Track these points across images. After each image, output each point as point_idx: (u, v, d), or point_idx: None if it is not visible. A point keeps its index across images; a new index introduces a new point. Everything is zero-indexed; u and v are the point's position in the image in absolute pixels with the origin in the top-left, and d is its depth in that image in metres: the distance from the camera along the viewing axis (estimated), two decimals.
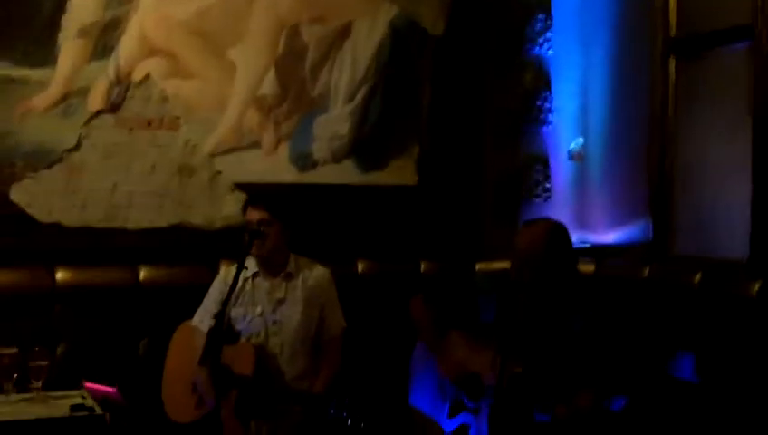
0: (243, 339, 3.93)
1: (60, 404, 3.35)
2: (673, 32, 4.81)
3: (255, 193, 4.48)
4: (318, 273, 4.06)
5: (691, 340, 4.21)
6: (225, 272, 4.02)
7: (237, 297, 3.87)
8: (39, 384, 3.57)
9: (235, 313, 3.93)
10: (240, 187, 4.72)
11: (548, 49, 5.30)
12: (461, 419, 3.79)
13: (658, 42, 4.86)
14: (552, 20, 5.29)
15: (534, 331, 3.70)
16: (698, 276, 4.30)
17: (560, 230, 3.82)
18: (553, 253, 3.73)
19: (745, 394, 3.84)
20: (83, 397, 3.42)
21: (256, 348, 3.84)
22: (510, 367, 3.56)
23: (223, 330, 3.69)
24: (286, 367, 3.89)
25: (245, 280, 3.94)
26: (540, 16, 5.27)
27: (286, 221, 3.94)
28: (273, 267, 3.99)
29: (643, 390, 3.66)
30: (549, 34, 5.29)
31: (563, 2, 5.33)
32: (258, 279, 3.99)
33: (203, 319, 3.95)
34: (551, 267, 3.71)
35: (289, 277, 3.99)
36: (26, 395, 3.51)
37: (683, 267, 4.48)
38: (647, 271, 4.64)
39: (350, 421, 3.44)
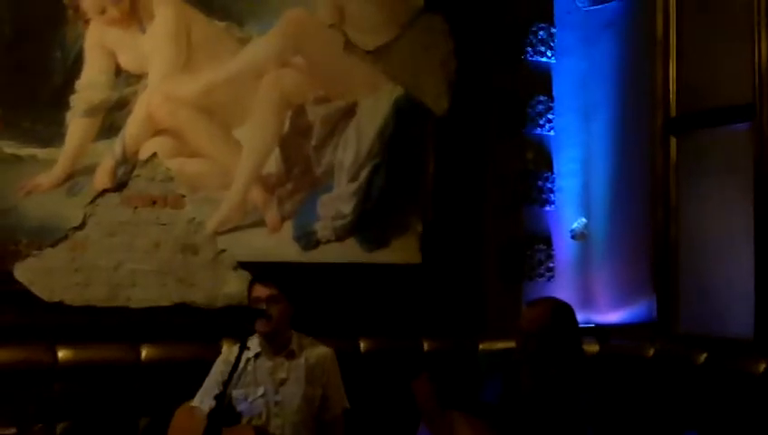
0: (244, 420, 3.87)
1: None
2: (673, 112, 4.86)
3: (259, 271, 4.47)
4: (320, 352, 4.03)
5: (696, 418, 4.17)
6: (228, 352, 3.99)
7: (239, 378, 3.84)
8: None
9: (236, 393, 3.89)
10: (243, 265, 4.72)
11: (549, 129, 5.35)
12: None
13: (658, 121, 4.92)
14: (553, 100, 5.36)
15: (538, 411, 3.65)
16: (704, 355, 4.27)
17: (565, 308, 3.80)
18: (559, 328, 3.71)
19: None
20: None
21: (257, 430, 3.79)
22: None
23: (223, 410, 3.64)
24: None
25: (248, 360, 3.91)
26: (541, 97, 5.34)
27: (290, 299, 3.93)
28: (276, 346, 3.96)
29: None
30: (550, 115, 5.35)
31: (565, 82, 5.41)
32: (260, 359, 3.96)
33: (203, 399, 3.90)
34: (556, 343, 3.68)
35: (291, 356, 3.96)
36: None
37: (688, 346, 4.47)
38: (652, 350, 4.62)
39: None
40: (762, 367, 3.96)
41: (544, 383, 3.68)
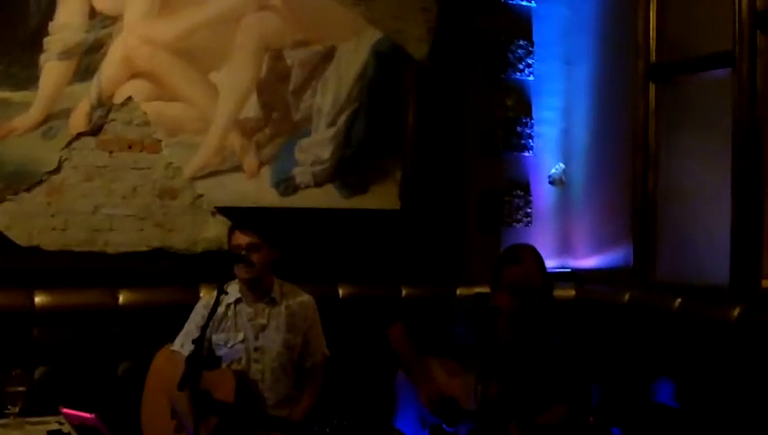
0: (224, 365, 3.90)
1: (36, 430, 3.30)
2: (653, 58, 4.85)
3: (238, 216, 4.46)
4: (302, 300, 4.05)
5: (671, 365, 4.23)
6: (208, 297, 3.99)
7: (219, 323, 3.86)
8: (16, 410, 3.52)
9: (216, 338, 3.92)
10: (221, 210, 4.70)
11: (529, 74, 5.34)
12: None
13: (639, 68, 4.90)
14: (533, 45, 5.34)
15: (513, 354, 3.71)
16: (678, 301, 4.32)
17: (543, 259, 3.84)
18: (546, 283, 3.78)
19: (725, 419, 3.85)
20: (60, 423, 3.37)
21: (237, 374, 3.82)
22: (489, 391, 3.57)
23: (203, 355, 3.66)
24: (267, 393, 3.86)
25: (228, 306, 3.93)
26: (521, 42, 5.32)
27: (271, 245, 3.92)
28: (257, 292, 3.97)
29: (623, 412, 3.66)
30: (530, 60, 5.33)
31: (546, 29, 5.38)
32: (241, 305, 3.97)
33: (183, 343, 3.92)
34: (542, 296, 3.75)
35: (272, 303, 3.97)
36: (2, 421, 3.46)
37: (663, 292, 4.51)
38: (627, 296, 4.66)
39: None
40: (736, 313, 4.00)
41: (520, 331, 3.74)
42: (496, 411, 3.58)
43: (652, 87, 4.86)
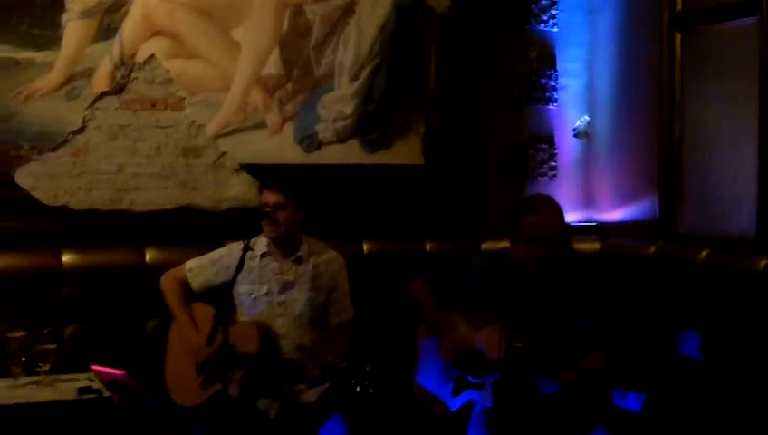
0: (247, 317, 3.93)
1: (67, 387, 3.35)
2: (678, 6, 4.78)
3: (263, 174, 4.47)
4: (329, 257, 4.05)
5: (697, 317, 4.22)
6: (234, 245, 3.99)
7: (243, 274, 3.86)
8: (47, 367, 3.58)
9: (240, 289, 3.94)
10: (245, 167, 4.71)
11: (553, 26, 5.28)
12: (466, 396, 3.82)
13: (664, 16, 4.83)
14: None
15: (536, 305, 3.72)
16: (704, 253, 4.29)
17: (561, 208, 3.83)
18: (564, 231, 3.78)
19: (751, 371, 3.84)
20: (91, 380, 3.43)
21: (260, 326, 3.84)
22: (513, 341, 3.59)
23: (229, 313, 3.71)
24: (289, 348, 3.89)
25: (253, 258, 3.94)
26: None
27: (299, 204, 3.92)
28: (284, 249, 3.98)
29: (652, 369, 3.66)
30: (554, 11, 5.27)
31: None
32: (267, 259, 3.99)
33: (193, 270, 4.02)
34: (561, 244, 3.75)
35: (299, 261, 3.98)
36: (34, 378, 3.51)
37: (689, 244, 4.49)
38: (653, 248, 4.64)
39: (359, 388, 3.45)
40: (763, 265, 3.98)
41: (542, 282, 3.75)
42: (522, 361, 3.60)
43: (677, 36, 4.79)
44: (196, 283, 4.04)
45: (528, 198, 4.04)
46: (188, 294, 4.04)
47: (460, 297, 3.93)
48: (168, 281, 4.07)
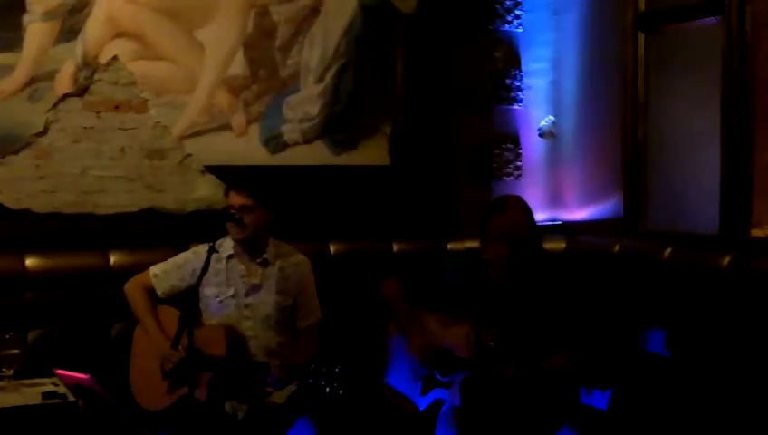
0: (214, 320, 3.91)
1: (32, 392, 3.31)
2: (642, 6, 4.82)
3: (228, 175, 4.45)
4: (296, 260, 4.04)
5: (662, 314, 4.25)
6: (200, 247, 3.97)
7: (209, 276, 3.84)
8: (11, 372, 3.54)
9: (207, 292, 3.92)
10: (211, 169, 4.69)
11: (518, 26, 5.30)
12: (434, 394, 3.82)
13: (628, 16, 4.87)
14: None
15: (506, 303, 3.74)
16: (669, 251, 4.33)
17: (530, 208, 3.87)
18: (533, 231, 3.81)
19: (716, 367, 3.88)
20: (56, 384, 3.40)
21: (227, 329, 3.83)
22: (483, 340, 3.61)
23: (195, 315, 3.68)
24: (257, 351, 3.88)
25: (219, 260, 3.92)
26: None
27: (267, 206, 3.91)
28: (250, 252, 3.97)
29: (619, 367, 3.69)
30: (518, 11, 5.29)
31: None
32: (234, 261, 3.97)
33: (158, 275, 3.98)
34: (532, 246, 3.78)
35: (265, 264, 3.97)
36: None
37: (654, 242, 4.52)
38: (618, 246, 4.67)
39: (328, 389, 3.44)
40: (726, 261, 4.02)
41: (511, 282, 3.77)
42: (491, 359, 3.62)
43: (641, 36, 4.84)
44: (161, 288, 4.00)
45: (498, 198, 4.06)
46: (154, 300, 4.01)
47: (432, 295, 3.94)
48: (132, 288, 4.04)
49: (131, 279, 4.06)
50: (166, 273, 4.02)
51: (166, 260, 4.09)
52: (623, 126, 4.92)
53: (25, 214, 4.39)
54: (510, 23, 5.28)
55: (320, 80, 4.94)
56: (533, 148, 5.37)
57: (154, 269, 4.04)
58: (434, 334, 3.85)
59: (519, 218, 3.76)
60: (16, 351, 3.60)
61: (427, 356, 3.80)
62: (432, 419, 3.77)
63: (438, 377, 3.80)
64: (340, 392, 3.45)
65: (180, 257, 4.05)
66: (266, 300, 3.93)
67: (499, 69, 5.27)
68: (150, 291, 4.00)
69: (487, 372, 3.65)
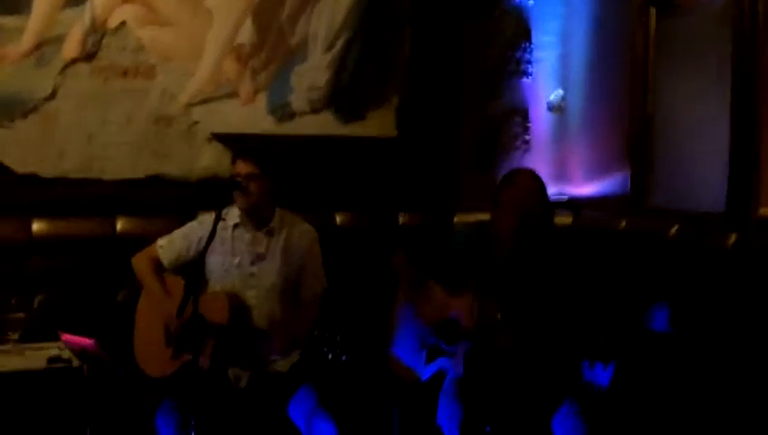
0: (218, 287, 3.92)
1: (37, 356, 3.34)
2: None
3: (239, 144, 4.45)
4: (302, 230, 4.02)
5: (667, 291, 4.25)
6: (206, 216, 3.96)
7: (215, 244, 3.84)
8: (16, 336, 3.56)
9: (212, 259, 3.92)
10: (217, 137, 4.68)
11: None
12: (438, 364, 3.83)
13: None
14: None
15: (513, 276, 3.74)
16: (675, 228, 4.32)
17: (543, 183, 3.85)
18: (546, 207, 3.80)
19: (720, 345, 3.89)
20: (60, 349, 3.41)
21: (230, 297, 3.83)
22: (489, 312, 3.61)
23: (200, 282, 3.68)
24: (261, 320, 3.88)
25: (226, 229, 3.92)
26: None
27: (273, 175, 3.89)
28: (256, 221, 3.96)
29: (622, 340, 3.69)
30: None
31: None
32: (239, 230, 3.96)
33: (164, 246, 3.97)
34: (542, 221, 3.77)
35: (271, 233, 3.96)
36: (3, 347, 3.50)
37: (659, 219, 4.51)
38: (624, 223, 4.67)
39: (330, 356, 3.45)
40: (732, 240, 4.01)
41: (520, 255, 3.76)
42: (495, 331, 3.62)
43: (652, 12, 4.80)
44: (167, 259, 3.99)
45: (511, 171, 4.03)
46: (160, 270, 4.01)
47: (439, 265, 3.93)
48: (139, 259, 4.03)
49: (138, 253, 4.06)
50: (171, 243, 4.01)
51: (171, 229, 4.09)
52: (631, 102, 4.89)
53: (32, 178, 4.39)
54: None
55: (328, 49, 4.92)
56: (542, 121, 5.35)
57: (160, 241, 4.03)
58: (441, 304, 3.85)
59: (531, 193, 3.74)
60: (21, 314, 3.62)
61: (434, 325, 3.80)
62: (435, 389, 3.78)
63: (443, 346, 3.80)
64: (343, 359, 3.46)
65: (186, 227, 4.05)
66: (271, 269, 3.92)
67: (508, 41, 5.24)
68: (157, 262, 4.00)
69: (491, 344, 3.65)
